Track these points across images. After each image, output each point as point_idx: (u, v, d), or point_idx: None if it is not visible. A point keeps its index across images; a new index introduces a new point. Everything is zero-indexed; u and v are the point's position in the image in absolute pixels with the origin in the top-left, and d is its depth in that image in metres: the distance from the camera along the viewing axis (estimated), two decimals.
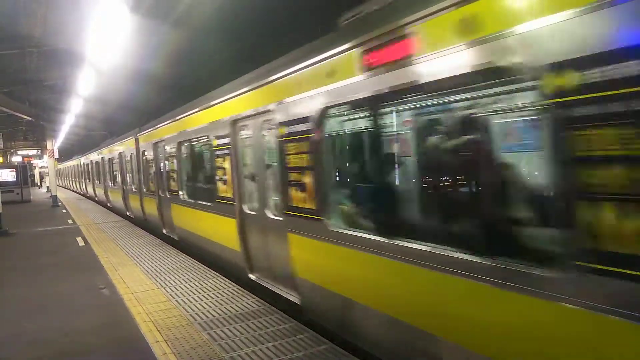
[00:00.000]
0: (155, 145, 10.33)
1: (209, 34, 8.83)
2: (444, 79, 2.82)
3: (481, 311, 2.72)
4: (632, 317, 1.95)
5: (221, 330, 4.70)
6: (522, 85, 2.58)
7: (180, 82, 11.93)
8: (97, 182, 21.26)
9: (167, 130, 9.45)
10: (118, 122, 19.92)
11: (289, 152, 4.72)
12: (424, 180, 4.01)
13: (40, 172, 46.12)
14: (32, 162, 32.53)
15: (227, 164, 6.50)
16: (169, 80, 12.18)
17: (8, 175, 25.11)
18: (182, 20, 8.39)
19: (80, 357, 4.44)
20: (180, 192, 8.92)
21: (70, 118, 20.82)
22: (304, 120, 4.37)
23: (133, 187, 13.14)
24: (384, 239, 3.50)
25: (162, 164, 10.23)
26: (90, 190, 24.48)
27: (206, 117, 7.25)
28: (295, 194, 4.67)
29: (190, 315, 5.21)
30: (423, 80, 2.99)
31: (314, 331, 4.50)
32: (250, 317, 4.99)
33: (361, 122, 4.35)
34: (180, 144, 8.77)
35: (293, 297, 5.09)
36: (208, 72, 10.24)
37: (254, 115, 5.58)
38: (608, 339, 2.06)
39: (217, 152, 6.85)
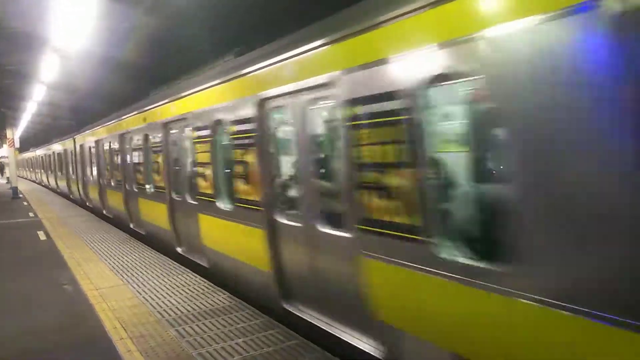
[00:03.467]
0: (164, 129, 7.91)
1: (188, 20, 8.54)
2: None
3: None
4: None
5: (190, 326, 4.60)
6: None
7: (156, 70, 11.55)
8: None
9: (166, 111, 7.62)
10: (87, 110, 19.10)
11: (362, 142, 3.44)
12: None
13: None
14: None
15: (250, 158, 5.14)
16: (142, 68, 11.79)
17: None
18: (156, 5, 8.08)
19: (41, 355, 4.26)
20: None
21: (33, 106, 19.84)
22: (395, 95, 3.11)
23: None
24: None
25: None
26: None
27: (219, 97, 5.83)
28: (376, 201, 3.35)
29: (158, 311, 5.08)
30: None
31: (285, 326, 4.48)
32: (220, 313, 4.92)
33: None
34: (195, 129, 6.73)
35: (369, 347, 3.66)
36: (186, 61, 9.91)
37: (297, 91, 4.31)
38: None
39: (236, 142, 5.41)
